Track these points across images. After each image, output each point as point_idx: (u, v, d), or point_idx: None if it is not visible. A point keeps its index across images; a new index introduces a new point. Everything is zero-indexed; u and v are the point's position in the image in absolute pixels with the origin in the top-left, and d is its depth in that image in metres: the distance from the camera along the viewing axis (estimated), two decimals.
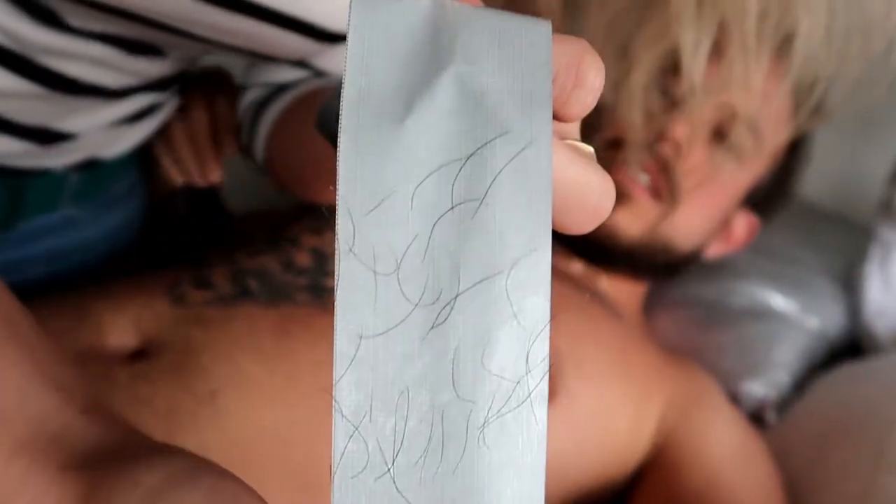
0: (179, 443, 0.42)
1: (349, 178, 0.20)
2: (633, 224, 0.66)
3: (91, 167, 0.63)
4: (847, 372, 0.72)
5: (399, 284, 0.20)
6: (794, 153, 0.73)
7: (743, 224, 0.74)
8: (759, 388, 0.71)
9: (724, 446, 0.60)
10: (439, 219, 0.21)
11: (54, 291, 0.58)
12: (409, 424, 0.20)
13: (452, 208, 0.21)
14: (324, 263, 0.59)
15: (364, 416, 0.20)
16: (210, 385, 0.50)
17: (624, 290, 0.72)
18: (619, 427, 0.60)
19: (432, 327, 0.21)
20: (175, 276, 0.58)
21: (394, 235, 0.20)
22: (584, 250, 0.69)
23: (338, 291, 0.20)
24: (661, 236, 0.67)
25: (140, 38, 0.50)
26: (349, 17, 0.21)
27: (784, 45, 0.62)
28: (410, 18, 0.21)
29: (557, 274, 0.66)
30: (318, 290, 0.57)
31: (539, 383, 0.21)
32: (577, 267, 0.70)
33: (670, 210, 0.66)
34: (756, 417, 0.70)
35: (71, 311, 0.54)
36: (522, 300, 0.21)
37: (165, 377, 0.49)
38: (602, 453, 0.60)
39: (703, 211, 0.68)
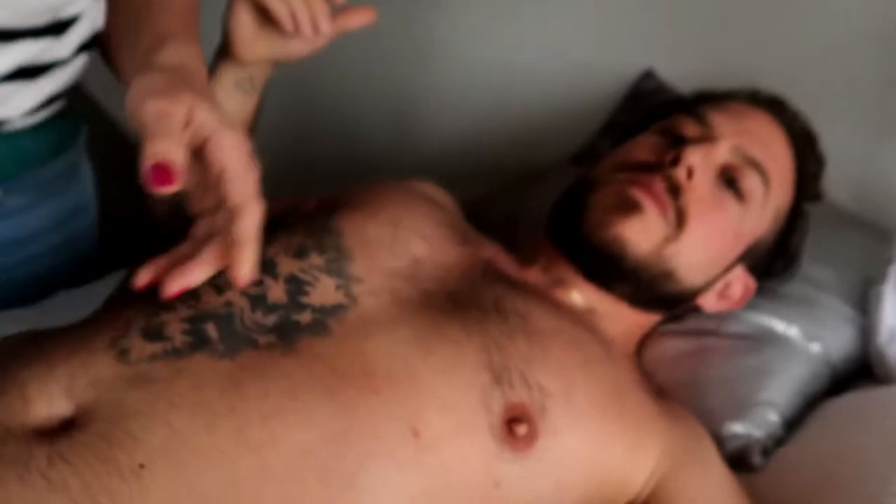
0: None
1: None
2: (643, 239, 0.66)
3: None
4: (847, 406, 0.66)
5: None
6: (794, 223, 0.74)
7: (741, 282, 0.73)
8: (743, 429, 0.67)
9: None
10: None
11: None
12: None
13: None
14: (299, 294, 0.56)
15: None
16: (137, 457, 0.46)
17: (621, 328, 0.70)
18: (609, 471, 0.58)
19: None
20: (126, 321, 0.53)
21: None
22: (592, 262, 0.67)
23: None
24: (665, 261, 0.67)
25: None
26: None
27: None
28: None
29: (557, 306, 0.65)
30: (285, 330, 0.54)
31: None
32: (577, 300, 0.68)
33: (676, 233, 0.66)
34: (741, 460, 0.65)
35: None
36: None
37: (87, 454, 0.46)
38: (588, 498, 0.57)
39: (706, 245, 0.68)
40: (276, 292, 0.56)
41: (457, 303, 0.59)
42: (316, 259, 0.58)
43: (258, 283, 0.55)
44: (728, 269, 0.71)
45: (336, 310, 0.56)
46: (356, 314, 0.56)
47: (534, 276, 0.68)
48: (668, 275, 0.67)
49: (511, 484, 0.53)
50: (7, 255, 0.69)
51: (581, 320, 0.65)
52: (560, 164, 0.97)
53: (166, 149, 0.45)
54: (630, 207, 0.65)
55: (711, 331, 0.73)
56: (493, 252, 0.68)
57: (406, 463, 0.51)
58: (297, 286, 0.56)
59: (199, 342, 0.52)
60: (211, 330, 0.52)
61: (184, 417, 0.48)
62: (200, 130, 0.47)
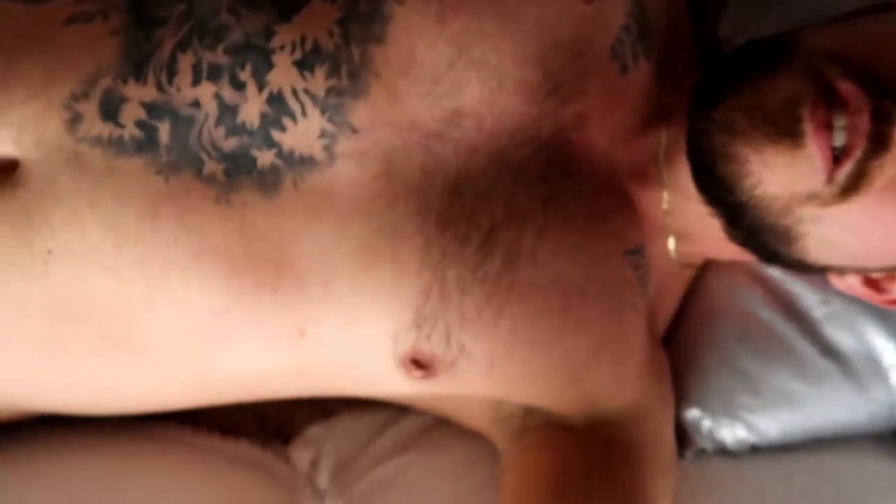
0: (4, 293, 0.49)
1: None
2: (775, 181, 0.47)
3: None
4: None
5: None
6: None
7: None
8: (706, 427, 0.61)
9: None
10: None
11: None
12: None
13: None
14: (274, 124, 0.48)
15: None
16: (49, 244, 0.49)
17: (694, 251, 0.57)
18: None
19: None
20: (96, 68, 0.49)
21: None
22: (700, 165, 0.50)
23: None
24: (795, 220, 0.48)
25: None
26: None
27: None
28: None
29: (602, 231, 0.52)
30: (236, 166, 0.48)
31: None
32: (660, 205, 0.54)
33: (835, 198, 0.46)
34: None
35: None
36: None
37: (9, 222, 0.49)
38: None
39: (872, 235, 0.48)
40: (251, 110, 0.48)
41: (455, 203, 0.49)
42: (319, 80, 0.48)
43: (238, 85, 0.48)
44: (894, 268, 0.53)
45: (303, 164, 0.48)
46: (322, 179, 0.48)
47: (631, 152, 0.54)
48: (788, 236, 0.49)
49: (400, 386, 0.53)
50: None
51: (620, 262, 0.53)
52: None
53: None
54: (784, 132, 0.46)
55: (801, 312, 0.61)
56: (594, 107, 0.52)
57: (277, 353, 0.51)
58: (276, 112, 0.48)
59: (145, 142, 0.48)
60: (164, 132, 0.48)
61: (97, 228, 0.48)
62: None
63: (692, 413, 0.61)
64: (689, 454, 0.60)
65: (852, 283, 0.55)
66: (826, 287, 0.59)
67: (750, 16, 0.63)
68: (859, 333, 0.61)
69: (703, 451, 0.61)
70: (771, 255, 0.53)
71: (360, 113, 0.48)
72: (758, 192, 0.48)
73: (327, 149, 0.48)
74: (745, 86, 0.48)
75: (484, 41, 0.49)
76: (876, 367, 0.61)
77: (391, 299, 0.49)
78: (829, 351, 0.61)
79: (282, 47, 0.48)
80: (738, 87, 0.48)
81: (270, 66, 0.48)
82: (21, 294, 0.49)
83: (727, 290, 0.62)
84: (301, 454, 0.64)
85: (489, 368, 0.51)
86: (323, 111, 0.48)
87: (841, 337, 0.61)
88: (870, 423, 0.62)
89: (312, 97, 0.48)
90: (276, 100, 0.48)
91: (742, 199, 0.48)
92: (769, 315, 0.61)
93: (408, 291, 0.49)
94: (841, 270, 0.54)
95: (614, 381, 0.54)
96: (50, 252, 0.48)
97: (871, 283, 0.54)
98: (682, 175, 0.52)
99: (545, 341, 0.51)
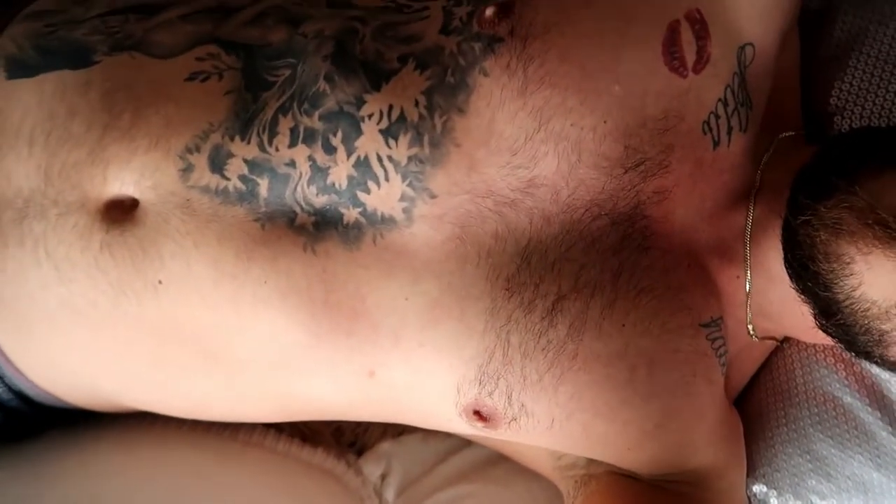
0: (120, 313, 0.53)
1: None
2: (879, 286, 0.46)
3: None
4: None
5: None
6: None
7: None
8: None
9: None
10: None
11: None
12: None
13: None
14: (360, 186, 0.50)
15: None
16: (160, 275, 0.53)
17: (776, 329, 0.57)
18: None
19: None
20: (208, 124, 0.53)
21: None
22: (798, 256, 0.49)
23: None
24: (893, 328, 0.47)
25: None
26: None
27: None
28: None
29: (674, 303, 0.52)
30: (325, 219, 0.51)
31: None
32: (741, 285, 0.53)
33: None
34: None
35: (88, 146, 0.54)
36: None
37: (126, 255, 0.53)
38: None
39: None
40: (340, 173, 0.51)
41: (523, 270, 0.50)
42: (402, 148, 0.50)
43: (329, 150, 0.51)
44: None
45: (384, 223, 0.50)
46: (399, 238, 0.50)
47: (715, 227, 0.53)
48: (882, 340, 0.48)
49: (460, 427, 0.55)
50: None
51: (694, 334, 0.52)
52: None
53: None
54: (892, 235, 0.45)
55: (885, 400, 0.58)
56: (678, 183, 0.51)
57: (348, 388, 0.54)
58: (362, 175, 0.50)
59: (247, 194, 0.52)
60: (263, 187, 0.52)
61: (200, 263, 0.52)
62: None
63: (759, 488, 0.59)
64: None
65: None
66: None
67: (867, 89, 0.59)
68: None
69: None
70: (862, 352, 0.51)
71: (438, 180, 0.50)
72: (858, 293, 0.47)
73: (406, 211, 0.50)
74: (860, 185, 0.46)
75: (565, 115, 0.49)
76: None
77: (456, 356, 0.51)
78: None
79: (370, 116, 0.50)
80: (851, 186, 0.46)
81: (359, 133, 0.50)
82: (134, 316, 0.53)
83: (808, 368, 0.60)
84: (372, 468, 0.68)
85: (548, 428, 0.52)
86: (404, 178, 0.50)
87: None
88: None
89: (395, 164, 0.50)
90: (362, 164, 0.50)
91: (839, 298, 0.47)
92: (850, 400, 0.58)
93: (472, 350, 0.50)
94: None
95: (682, 447, 0.54)
96: (160, 282, 0.52)
97: None
98: (770, 257, 0.52)
99: (607, 409, 0.52)
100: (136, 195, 0.53)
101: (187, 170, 0.52)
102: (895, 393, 0.58)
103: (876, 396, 0.59)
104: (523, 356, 0.50)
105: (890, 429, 0.58)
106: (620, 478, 0.56)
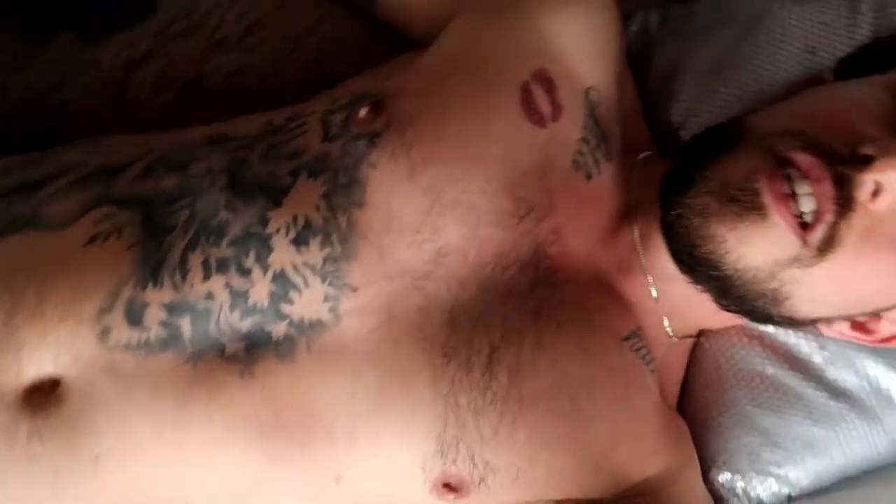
0: (66, 499, 0.51)
1: None
2: (756, 253, 0.51)
3: None
4: None
5: None
6: None
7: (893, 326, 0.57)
8: (739, 488, 0.62)
9: None
10: None
11: None
12: None
13: None
14: (282, 299, 0.52)
15: None
16: (95, 450, 0.51)
17: (690, 324, 0.61)
18: None
19: None
20: (117, 280, 0.53)
21: None
22: (679, 248, 0.54)
23: None
24: (779, 283, 0.52)
25: None
26: None
27: None
28: None
29: (591, 325, 0.56)
30: (253, 342, 0.52)
31: None
32: (649, 292, 0.58)
33: (813, 259, 0.50)
34: None
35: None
36: None
37: (57, 437, 0.51)
38: None
39: (851, 286, 0.52)
40: (260, 292, 0.52)
41: (453, 334, 0.52)
42: (315, 252, 0.52)
43: (244, 272, 0.52)
44: (884, 309, 0.55)
45: (313, 328, 0.52)
46: (332, 338, 0.52)
47: (609, 249, 0.58)
48: (775, 298, 0.53)
49: None
50: None
51: (619, 349, 0.56)
52: None
53: None
54: (749, 207, 0.50)
55: (802, 361, 0.63)
56: (567, 219, 0.56)
57: (319, 498, 0.53)
58: (283, 288, 0.52)
59: (170, 339, 0.52)
60: (185, 327, 0.52)
61: (135, 421, 0.51)
62: None
63: (724, 476, 0.62)
64: None
65: (841, 329, 0.58)
66: (819, 333, 0.62)
67: (697, 102, 0.67)
68: (861, 370, 0.63)
69: None
70: (763, 316, 0.56)
71: (355, 273, 0.52)
72: (740, 265, 0.52)
73: (332, 310, 0.52)
74: (709, 170, 0.52)
75: (453, 185, 0.53)
76: (885, 398, 0.62)
77: (411, 433, 0.52)
78: (837, 392, 0.63)
79: (277, 230, 0.52)
80: (703, 172, 0.52)
81: (270, 249, 0.52)
82: (76, 497, 0.51)
83: (728, 354, 0.64)
84: None
85: (514, 479, 0.54)
86: (323, 279, 0.52)
87: (845, 377, 0.63)
88: (893, 452, 0.63)
89: (312, 268, 0.52)
90: (280, 278, 0.52)
91: (727, 274, 0.52)
92: (773, 370, 0.63)
93: (425, 423, 0.52)
94: (829, 320, 0.58)
95: (636, 459, 0.57)
96: (97, 457, 0.51)
97: (859, 327, 0.58)
98: (662, 259, 0.56)
99: (562, 440, 0.54)
100: (57, 373, 0.51)
101: (105, 332, 0.52)
102: (804, 352, 0.64)
103: (791, 360, 0.64)
104: (475, 414, 0.52)
105: (813, 384, 0.63)
106: None
